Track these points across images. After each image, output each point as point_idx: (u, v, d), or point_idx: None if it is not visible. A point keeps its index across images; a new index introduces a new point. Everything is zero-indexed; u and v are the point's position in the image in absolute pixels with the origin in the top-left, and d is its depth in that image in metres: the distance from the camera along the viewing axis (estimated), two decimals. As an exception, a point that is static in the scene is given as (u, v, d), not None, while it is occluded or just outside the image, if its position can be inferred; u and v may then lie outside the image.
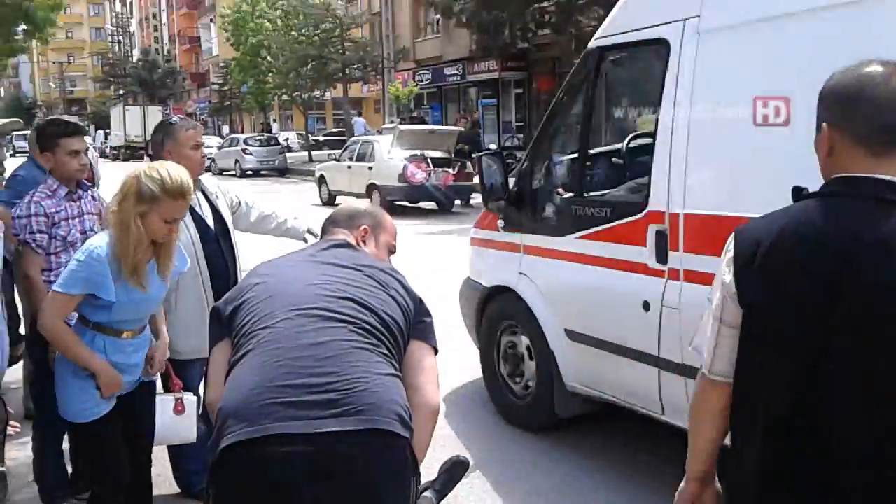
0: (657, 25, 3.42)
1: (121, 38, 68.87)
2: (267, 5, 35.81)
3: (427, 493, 3.42)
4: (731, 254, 1.64)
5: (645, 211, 3.42)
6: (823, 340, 1.49)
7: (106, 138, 50.23)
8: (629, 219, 3.49)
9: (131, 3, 73.45)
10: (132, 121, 44.80)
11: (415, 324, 2.14)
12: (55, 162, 3.42)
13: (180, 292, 3.32)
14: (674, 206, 3.28)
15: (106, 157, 40.43)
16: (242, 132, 42.20)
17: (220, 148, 32.38)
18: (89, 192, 3.63)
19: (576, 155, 3.99)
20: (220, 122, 54.19)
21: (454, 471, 3.42)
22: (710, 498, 1.81)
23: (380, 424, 1.85)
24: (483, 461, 4.05)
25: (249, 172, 29.08)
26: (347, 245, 2.32)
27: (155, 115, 45.56)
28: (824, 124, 1.58)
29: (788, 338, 1.54)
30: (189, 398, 3.17)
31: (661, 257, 3.35)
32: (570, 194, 3.96)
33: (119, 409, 2.87)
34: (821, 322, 1.50)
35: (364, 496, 1.85)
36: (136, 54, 64.67)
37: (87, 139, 4.03)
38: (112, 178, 4.35)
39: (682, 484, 1.83)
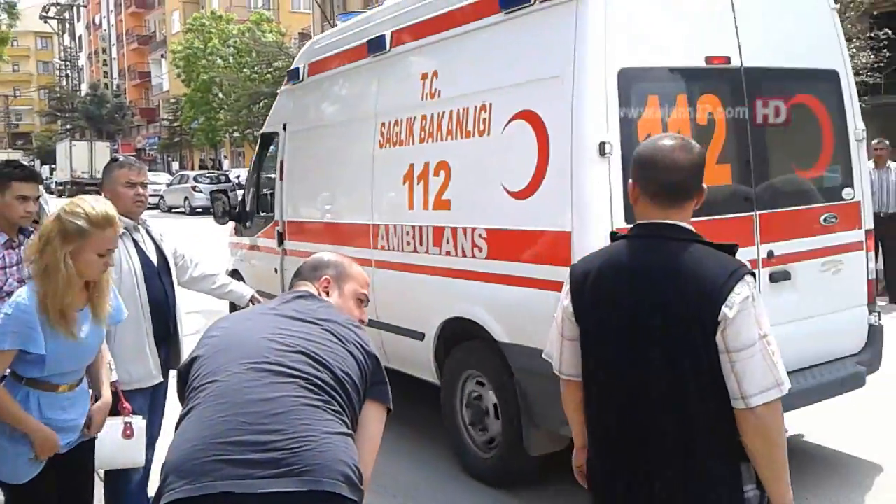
0: (277, 126, 7.08)
1: (69, 72, 71.87)
2: (219, 42, 39.64)
3: None
4: (568, 286, 2.30)
5: (275, 220, 6.91)
6: (632, 352, 2.13)
7: (51, 174, 53.38)
8: (270, 224, 6.98)
9: (81, 38, 76.84)
10: (79, 156, 47.30)
11: (372, 383, 2.26)
12: (1, 203, 3.55)
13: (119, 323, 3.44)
14: (283, 217, 6.81)
15: (51, 192, 43.11)
16: (193, 169, 44.66)
17: (168, 185, 34.15)
18: (31, 238, 3.60)
19: (253, 192, 7.72)
20: (169, 159, 57.43)
21: None
22: None
23: (324, 486, 1.93)
24: None
25: (199, 210, 29.75)
26: (310, 296, 2.42)
27: (102, 150, 48.37)
28: (630, 181, 2.27)
29: (610, 350, 2.19)
30: (138, 422, 3.28)
31: (280, 243, 6.80)
32: (254, 212, 7.57)
33: (54, 464, 2.89)
34: (628, 335, 2.14)
35: None
36: (84, 89, 67.70)
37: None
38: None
39: (574, 452, 2.51)
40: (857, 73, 11.96)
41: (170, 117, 50.86)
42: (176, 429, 2.13)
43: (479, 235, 4.49)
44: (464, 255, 4.61)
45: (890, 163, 9.95)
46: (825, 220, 4.57)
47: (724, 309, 2.02)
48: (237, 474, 1.91)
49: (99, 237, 2.81)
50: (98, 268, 2.86)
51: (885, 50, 12.42)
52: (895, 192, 9.78)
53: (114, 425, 3.21)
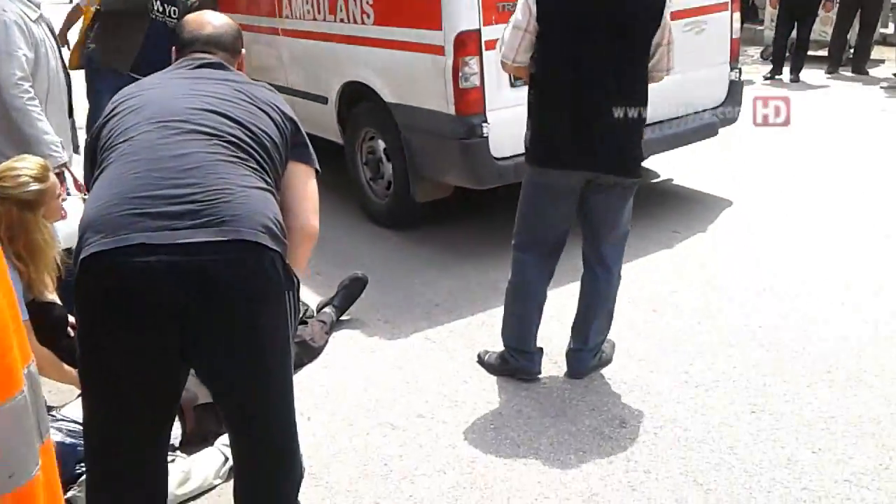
0: None
1: None
2: None
3: (327, 309, 3.95)
4: None
5: None
6: (588, 35, 3.08)
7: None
8: None
9: None
10: None
11: (293, 145, 2.25)
12: None
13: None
14: None
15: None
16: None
17: None
18: None
19: None
20: None
21: (353, 287, 3.96)
22: None
23: (244, 235, 1.93)
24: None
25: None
26: (220, 66, 2.36)
27: None
28: None
29: (568, 31, 3.10)
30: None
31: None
32: None
33: None
34: (588, 23, 3.07)
35: (231, 306, 1.94)
36: None
37: None
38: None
39: None
40: None
41: None
42: (89, 191, 2.13)
43: (367, 2, 4.86)
44: (355, 22, 5.00)
45: None
46: (689, -16, 4.96)
47: (664, 17, 3.15)
48: (154, 226, 1.90)
49: (53, 186, 2.84)
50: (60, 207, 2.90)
51: None
52: None
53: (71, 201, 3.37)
